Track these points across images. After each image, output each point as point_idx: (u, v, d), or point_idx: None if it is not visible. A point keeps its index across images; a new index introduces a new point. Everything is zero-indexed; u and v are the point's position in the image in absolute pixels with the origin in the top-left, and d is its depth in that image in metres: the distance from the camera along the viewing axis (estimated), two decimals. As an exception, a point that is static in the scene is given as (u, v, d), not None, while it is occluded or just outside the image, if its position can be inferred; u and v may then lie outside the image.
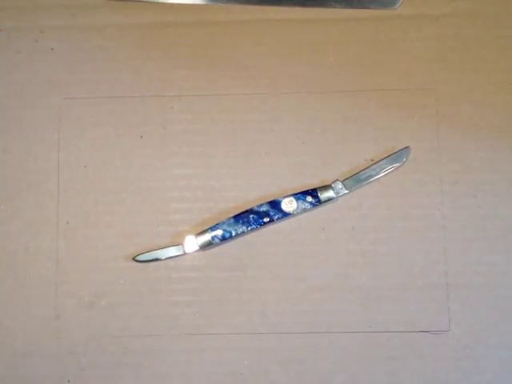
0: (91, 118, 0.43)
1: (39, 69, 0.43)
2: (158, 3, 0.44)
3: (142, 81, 0.43)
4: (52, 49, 0.44)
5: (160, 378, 0.41)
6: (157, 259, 0.41)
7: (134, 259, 0.41)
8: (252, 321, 0.41)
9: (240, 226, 0.40)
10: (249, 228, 0.40)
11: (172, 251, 0.41)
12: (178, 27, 0.44)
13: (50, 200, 0.42)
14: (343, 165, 0.42)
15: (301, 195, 0.40)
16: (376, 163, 0.41)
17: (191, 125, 0.43)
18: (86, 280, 0.42)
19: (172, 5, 0.44)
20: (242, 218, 0.40)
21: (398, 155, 0.41)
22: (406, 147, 0.41)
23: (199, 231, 0.41)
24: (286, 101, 0.43)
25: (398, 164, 0.41)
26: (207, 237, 0.40)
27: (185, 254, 0.41)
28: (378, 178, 0.41)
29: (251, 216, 0.40)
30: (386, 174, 0.41)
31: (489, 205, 0.41)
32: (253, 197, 0.42)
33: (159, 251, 0.41)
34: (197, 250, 0.41)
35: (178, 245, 0.41)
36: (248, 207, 0.41)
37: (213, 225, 0.40)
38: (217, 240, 0.40)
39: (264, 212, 0.40)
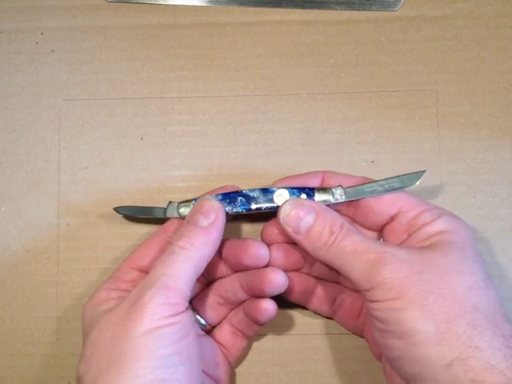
0: (91, 120, 0.43)
1: (39, 70, 0.44)
2: (158, 5, 0.44)
3: (142, 82, 0.43)
4: (52, 50, 0.44)
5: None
6: (135, 215, 0.41)
7: (114, 209, 0.40)
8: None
9: (225, 205, 0.37)
10: (233, 210, 0.37)
11: (154, 212, 0.40)
12: (178, 29, 0.44)
13: (51, 201, 0.42)
14: (343, 166, 0.42)
15: (296, 191, 0.37)
16: (386, 179, 0.37)
17: (191, 126, 0.43)
18: (87, 281, 0.42)
19: (172, 6, 0.44)
20: (229, 197, 0.38)
21: (411, 177, 0.37)
22: (423, 171, 0.37)
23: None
24: (286, 102, 0.43)
25: (408, 186, 0.37)
26: (190, 207, 0.38)
27: (165, 218, 0.39)
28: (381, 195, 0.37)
29: (239, 198, 0.37)
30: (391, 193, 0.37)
31: (489, 205, 0.41)
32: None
33: (142, 208, 0.40)
34: (177, 218, 0.38)
35: (161, 208, 0.39)
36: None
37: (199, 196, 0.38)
38: None
39: (253, 198, 0.37)
